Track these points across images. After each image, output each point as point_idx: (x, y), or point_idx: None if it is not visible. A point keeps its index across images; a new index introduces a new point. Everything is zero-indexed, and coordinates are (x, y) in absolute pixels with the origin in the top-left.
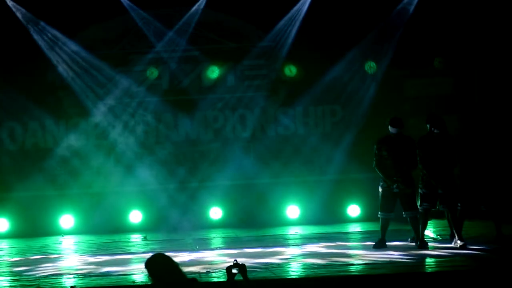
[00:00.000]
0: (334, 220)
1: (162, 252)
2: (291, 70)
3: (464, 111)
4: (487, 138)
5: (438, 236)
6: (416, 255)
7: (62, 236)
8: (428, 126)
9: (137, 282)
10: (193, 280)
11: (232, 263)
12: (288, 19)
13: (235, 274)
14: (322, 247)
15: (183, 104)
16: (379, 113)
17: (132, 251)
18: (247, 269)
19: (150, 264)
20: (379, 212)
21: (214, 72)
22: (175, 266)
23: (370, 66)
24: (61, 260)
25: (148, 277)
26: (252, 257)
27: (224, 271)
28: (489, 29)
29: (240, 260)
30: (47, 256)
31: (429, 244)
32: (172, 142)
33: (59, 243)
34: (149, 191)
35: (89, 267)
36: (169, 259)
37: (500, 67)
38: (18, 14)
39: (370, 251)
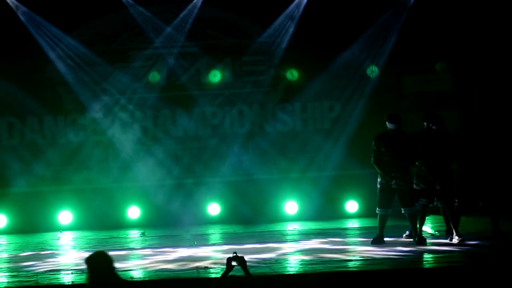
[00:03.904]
0: (332, 216)
1: (105, 251)
2: (292, 74)
3: (463, 107)
4: (486, 134)
5: (436, 232)
6: (414, 251)
7: (60, 232)
8: (425, 124)
9: (135, 278)
10: (129, 282)
11: (232, 255)
12: (287, 14)
13: (233, 266)
14: (320, 243)
15: (181, 100)
16: (377, 109)
17: (130, 247)
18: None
19: (90, 261)
20: (377, 208)
21: (216, 76)
22: (112, 268)
23: (372, 71)
24: (60, 256)
25: (87, 273)
26: (250, 253)
27: (222, 267)
28: (489, 24)
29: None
30: (45, 252)
31: (427, 240)
32: (170, 138)
33: (57, 239)
34: (147, 187)
35: None
36: (108, 259)
37: (499, 64)
38: (17, 10)
39: (368, 247)
